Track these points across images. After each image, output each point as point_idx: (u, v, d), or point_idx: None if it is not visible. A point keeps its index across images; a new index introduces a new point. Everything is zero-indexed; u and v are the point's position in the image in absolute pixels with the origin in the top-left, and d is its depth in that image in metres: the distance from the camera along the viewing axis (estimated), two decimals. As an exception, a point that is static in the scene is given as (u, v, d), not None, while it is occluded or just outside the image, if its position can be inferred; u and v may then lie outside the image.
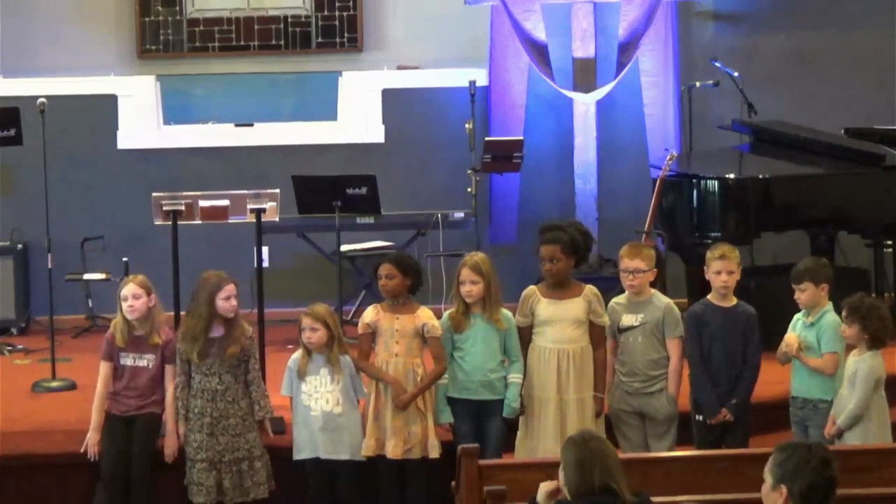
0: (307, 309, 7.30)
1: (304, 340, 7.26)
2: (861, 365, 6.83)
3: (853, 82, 11.00)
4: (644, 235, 9.15)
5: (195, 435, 7.19)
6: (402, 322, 7.28)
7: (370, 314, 7.36)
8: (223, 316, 7.21)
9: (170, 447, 7.25)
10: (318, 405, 7.20)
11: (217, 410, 7.18)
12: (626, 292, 7.38)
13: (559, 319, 7.21)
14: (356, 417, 7.25)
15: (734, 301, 7.34)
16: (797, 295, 7.19)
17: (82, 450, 7.28)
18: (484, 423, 7.24)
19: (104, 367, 7.36)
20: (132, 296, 7.27)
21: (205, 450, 7.16)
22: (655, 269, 7.35)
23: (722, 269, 7.29)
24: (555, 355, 7.20)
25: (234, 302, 7.26)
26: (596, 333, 7.26)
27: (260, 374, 7.35)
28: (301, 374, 7.25)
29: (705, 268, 7.37)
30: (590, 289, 7.31)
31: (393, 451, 7.19)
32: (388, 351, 7.28)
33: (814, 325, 7.16)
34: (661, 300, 7.32)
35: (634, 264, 7.25)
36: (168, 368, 7.32)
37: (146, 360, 7.31)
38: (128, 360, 7.32)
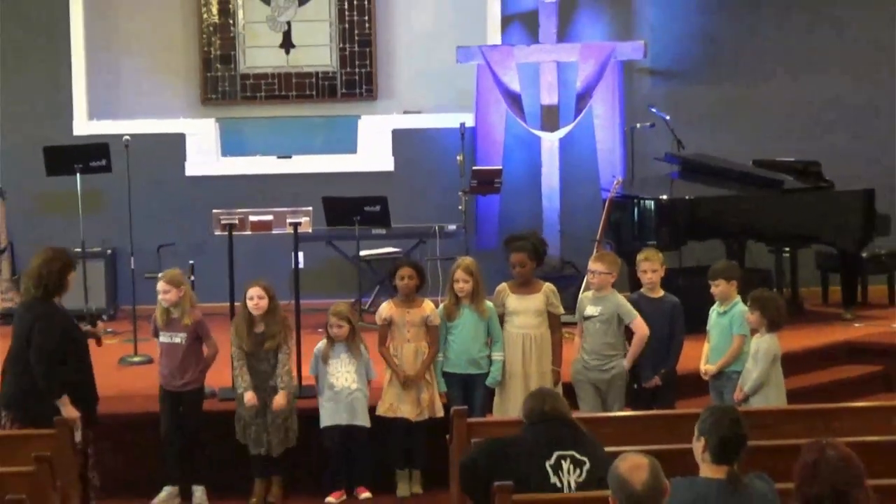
0: (332, 309, 7.25)
1: (331, 333, 7.23)
2: (762, 344, 6.86)
3: (762, 124, 11.03)
4: (597, 243, 9.17)
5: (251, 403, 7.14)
6: (412, 315, 7.28)
7: (385, 310, 7.33)
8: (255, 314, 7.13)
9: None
10: (339, 382, 7.18)
11: (267, 385, 7.15)
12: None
13: (524, 311, 7.22)
14: (366, 393, 7.25)
15: (661, 293, 7.36)
16: (713, 289, 7.22)
17: None
18: (471, 391, 7.25)
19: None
20: (162, 291, 7.18)
21: (258, 416, 7.17)
22: (614, 273, 7.25)
23: (647, 268, 7.32)
24: (521, 339, 7.21)
25: (257, 302, 7.11)
26: (553, 320, 7.26)
27: (289, 356, 7.21)
28: (325, 359, 7.22)
29: (636, 268, 7.43)
30: (548, 286, 7.31)
31: (409, 412, 7.21)
32: (401, 337, 7.27)
33: (726, 313, 7.20)
34: (617, 298, 7.25)
35: (595, 266, 7.26)
36: (199, 344, 7.20)
37: (179, 338, 7.18)
38: (165, 338, 7.22)
